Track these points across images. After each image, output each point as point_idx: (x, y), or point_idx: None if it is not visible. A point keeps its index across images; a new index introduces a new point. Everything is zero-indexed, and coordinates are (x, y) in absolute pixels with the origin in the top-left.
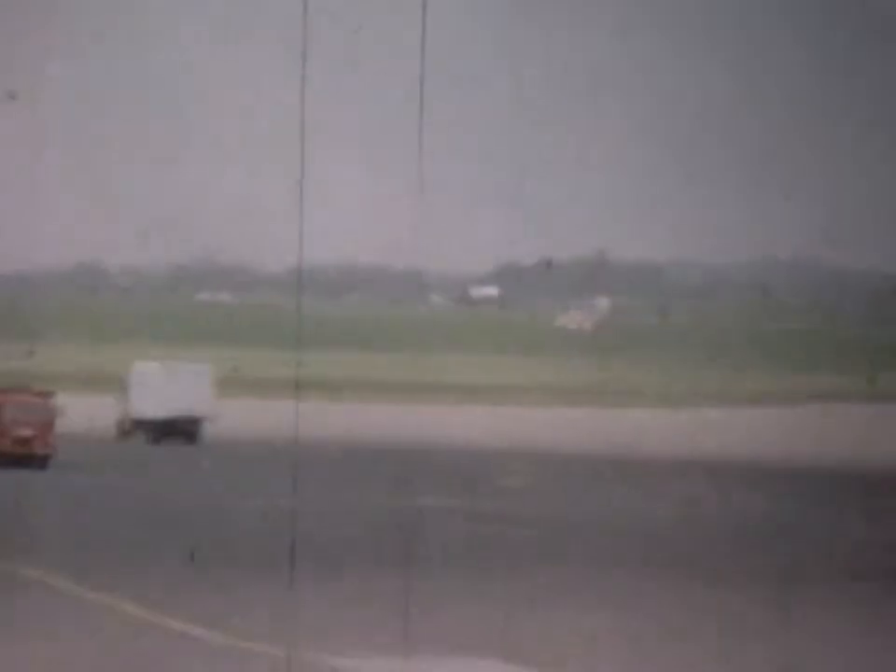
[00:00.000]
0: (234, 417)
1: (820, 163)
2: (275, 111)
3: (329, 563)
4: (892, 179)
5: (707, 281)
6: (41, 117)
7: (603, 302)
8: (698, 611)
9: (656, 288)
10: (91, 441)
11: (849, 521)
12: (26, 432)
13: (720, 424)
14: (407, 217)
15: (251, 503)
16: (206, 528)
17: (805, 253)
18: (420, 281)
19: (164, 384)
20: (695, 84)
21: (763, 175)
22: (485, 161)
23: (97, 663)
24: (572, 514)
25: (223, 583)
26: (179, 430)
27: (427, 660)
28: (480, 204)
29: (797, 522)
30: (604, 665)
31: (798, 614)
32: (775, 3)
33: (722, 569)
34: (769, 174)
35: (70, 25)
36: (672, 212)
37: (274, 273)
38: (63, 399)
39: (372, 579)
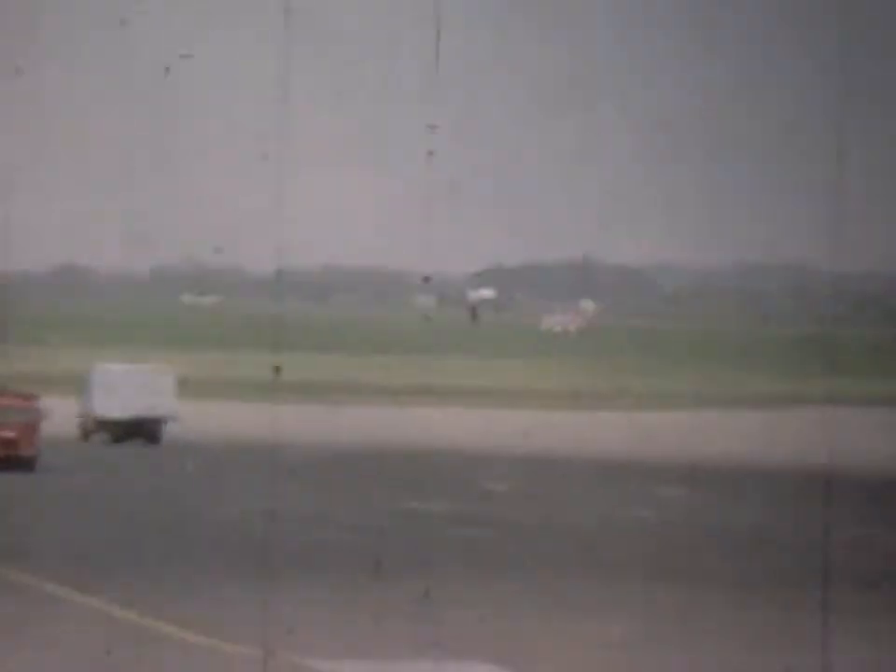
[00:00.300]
0: (212, 419)
1: (808, 167)
2: (259, 116)
3: (305, 566)
4: (875, 183)
5: (691, 284)
6: (26, 119)
7: (587, 305)
8: (683, 615)
9: (641, 292)
10: (74, 442)
11: (837, 524)
12: (10, 434)
13: (703, 426)
14: (394, 219)
15: (230, 505)
16: (187, 530)
17: (790, 256)
18: (405, 282)
19: (127, 384)
20: (683, 88)
21: (748, 179)
22: (473, 165)
23: (76, 664)
24: (557, 518)
25: (202, 584)
26: (142, 431)
27: (404, 663)
28: (467, 208)
29: (782, 525)
30: (586, 669)
31: (781, 617)
32: (776, 3)
33: (706, 572)
34: (755, 178)
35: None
36: (657, 216)
37: (258, 276)
38: (47, 401)
39: (349, 581)
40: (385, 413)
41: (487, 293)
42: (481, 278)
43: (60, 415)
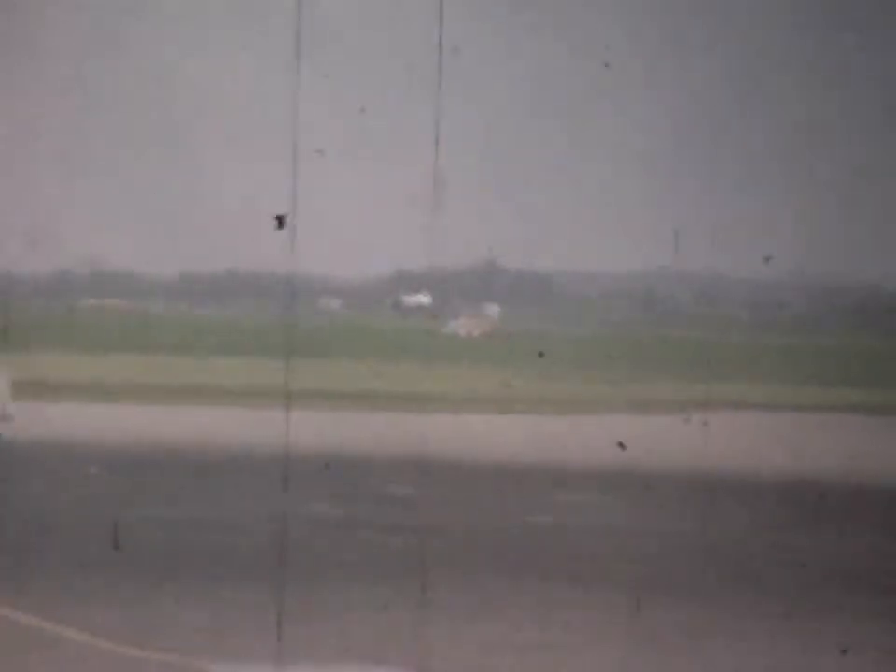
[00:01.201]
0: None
1: (714, 172)
2: (174, 109)
3: (210, 572)
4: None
5: (597, 289)
6: None
7: (492, 310)
8: (581, 617)
9: (546, 296)
10: None
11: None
12: None
13: (606, 431)
14: (296, 222)
15: (125, 508)
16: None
17: (695, 261)
18: (311, 287)
19: None
20: (600, 90)
21: (654, 183)
22: (386, 169)
23: None
24: (458, 522)
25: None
26: None
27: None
28: (375, 211)
29: (677, 530)
30: (485, 669)
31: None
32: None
33: (603, 574)
34: (662, 182)
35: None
36: (563, 221)
37: (162, 279)
38: None
39: (247, 585)
40: (278, 416)
41: (424, 299)
42: (391, 282)
43: None
